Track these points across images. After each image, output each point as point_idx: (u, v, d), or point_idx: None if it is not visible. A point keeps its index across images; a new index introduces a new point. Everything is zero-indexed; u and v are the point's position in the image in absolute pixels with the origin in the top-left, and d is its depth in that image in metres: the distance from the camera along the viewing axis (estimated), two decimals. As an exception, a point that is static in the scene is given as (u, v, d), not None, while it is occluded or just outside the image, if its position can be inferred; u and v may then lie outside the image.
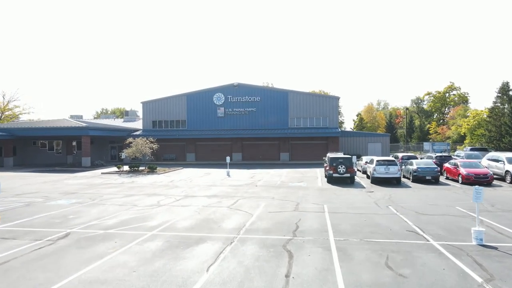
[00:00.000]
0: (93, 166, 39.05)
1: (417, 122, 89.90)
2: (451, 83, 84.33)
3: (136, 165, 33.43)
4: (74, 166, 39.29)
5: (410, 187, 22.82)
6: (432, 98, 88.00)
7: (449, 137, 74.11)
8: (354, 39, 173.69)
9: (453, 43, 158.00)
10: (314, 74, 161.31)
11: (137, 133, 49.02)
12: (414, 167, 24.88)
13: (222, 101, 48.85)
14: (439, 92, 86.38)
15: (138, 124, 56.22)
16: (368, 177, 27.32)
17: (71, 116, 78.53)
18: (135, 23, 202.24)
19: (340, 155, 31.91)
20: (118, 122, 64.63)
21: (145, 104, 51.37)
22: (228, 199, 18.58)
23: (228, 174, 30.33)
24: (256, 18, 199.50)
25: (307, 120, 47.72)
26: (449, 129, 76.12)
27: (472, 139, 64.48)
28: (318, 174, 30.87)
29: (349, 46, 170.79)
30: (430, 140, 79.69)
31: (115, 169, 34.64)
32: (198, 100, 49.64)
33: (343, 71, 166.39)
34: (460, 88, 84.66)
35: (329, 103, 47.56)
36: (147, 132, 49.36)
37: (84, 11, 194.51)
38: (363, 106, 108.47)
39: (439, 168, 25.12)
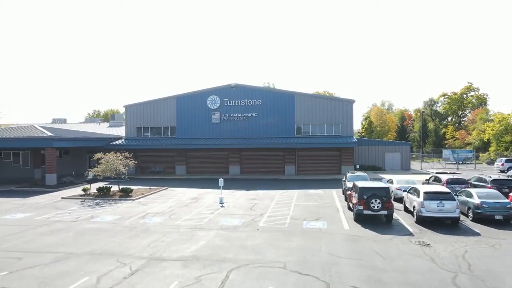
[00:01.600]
0: (60, 184, 32.19)
1: (430, 126, 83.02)
2: (469, 83, 77.45)
3: (106, 188, 26.56)
4: (37, 184, 32.38)
5: (479, 233, 15.97)
6: (447, 99, 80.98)
7: (469, 143, 67.23)
8: (356, 37, 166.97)
9: (461, 41, 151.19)
10: (315, 75, 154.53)
11: (118, 142, 42.18)
12: (476, 200, 18.00)
13: (218, 104, 42.00)
14: (455, 93, 79.45)
15: (124, 130, 49.31)
16: (406, 209, 20.51)
17: (54, 120, 71.82)
18: (127, 21, 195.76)
19: (364, 178, 25.05)
20: (103, 127, 57.97)
21: (129, 108, 44.49)
22: (214, 270, 11.72)
23: (221, 202, 23.52)
24: (254, 15, 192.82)
25: (317, 127, 40.85)
26: (469, 134, 69.24)
27: (499, 146, 57.66)
28: (337, 202, 24.02)
29: (352, 44, 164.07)
30: (447, 146, 72.83)
31: (82, 190, 27.52)
32: (190, 104, 42.78)
33: (345, 71, 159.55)
34: (478, 89, 77.76)
35: (342, 107, 40.67)
36: (130, 141, 42.61)
37: (81, 10, 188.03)
38: (366, 107, 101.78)
39: (512, 203, 18.24)
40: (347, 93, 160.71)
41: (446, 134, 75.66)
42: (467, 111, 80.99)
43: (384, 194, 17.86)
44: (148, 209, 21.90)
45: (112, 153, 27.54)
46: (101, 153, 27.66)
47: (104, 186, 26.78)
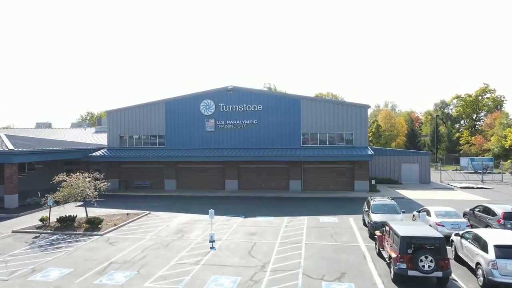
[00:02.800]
0: (22, 207, 27.08)
1: (442, 130, 77.80)
2: (485, 85, 72.14)
3: (69, 218, 21.32)
4: (-5, 207, 27.18)
5: None
6: (461, 102, 75.67)
7: (488, 150, 62.02)
8: (359, 37, 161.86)
9: (470, 40, 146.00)
10: (317, 75, 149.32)
11: (98, 153, 36.94)
12: None
13: (212, 110, 36.76)
14: (470, 95, 74.18)
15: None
16: (457, 257, 15.33)
17: (38, 124, 66.75)
18: (122, 21, 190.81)
19: (393, 209, 19.69)
20: (89, 133, 52.80)
21: (111, 114, 39.23)
22: None
23: (211, 240, 18.34)
24: (252, 13, 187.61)
25: (326, 136, 35.62)
26: (487, 140, 64.03)
27: (524, 154, 52.51)
28: (359, 238, 18.82)
29: (354, 44, 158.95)
30: (462, 152, 67.68)
31: (40, 220, 22.18)
32: (181, 109, 37.53)
33: (346, 72, 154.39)
34: (495, 91, 72.46)
35: (355, 113, 35.36)
36: (112, 152, 37.41)
37: (80, 11, 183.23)
38: (369, 109, 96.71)
39: None
40: (349, 94, 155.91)
41: (461, 139, 70.46)
42: (482, 114, 75.77)
43: (438, 247, 12.66)
44: (114, 253, 16.67)
45: (77, 173, 22.25)
46: (64, 174, 22.27)
47: (67, 215, 21.52)
